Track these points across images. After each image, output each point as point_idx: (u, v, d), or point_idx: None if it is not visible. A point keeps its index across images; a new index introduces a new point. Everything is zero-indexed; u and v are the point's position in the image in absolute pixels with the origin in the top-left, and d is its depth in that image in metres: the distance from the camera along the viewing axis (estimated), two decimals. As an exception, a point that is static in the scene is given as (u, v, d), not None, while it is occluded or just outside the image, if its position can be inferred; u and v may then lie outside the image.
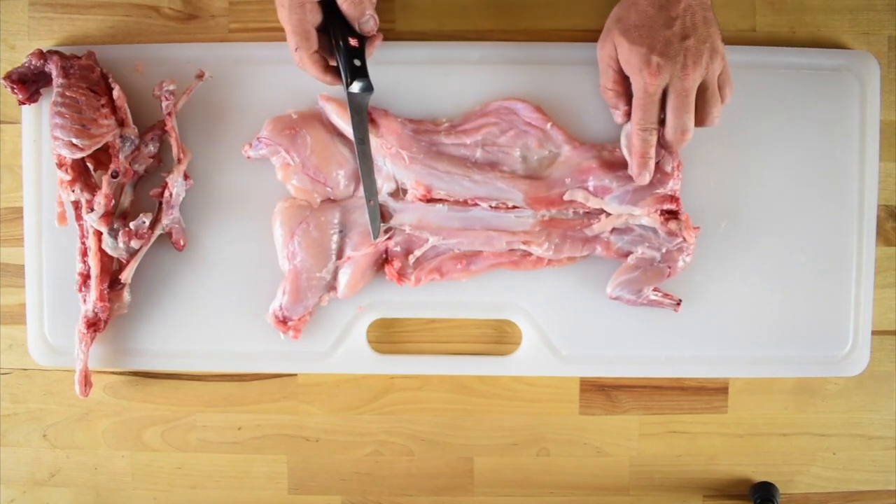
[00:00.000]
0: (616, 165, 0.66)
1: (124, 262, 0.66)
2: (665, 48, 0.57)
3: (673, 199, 0.65)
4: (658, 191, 0.65)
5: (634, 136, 0.62)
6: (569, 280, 0.68)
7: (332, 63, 0.62)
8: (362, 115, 0.63)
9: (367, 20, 0.60)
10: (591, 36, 0.68)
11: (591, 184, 0.66)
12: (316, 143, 0.66)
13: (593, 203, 0.65)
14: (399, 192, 0.67)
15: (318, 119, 0.66)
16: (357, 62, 0.61)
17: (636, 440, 0.71)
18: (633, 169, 0.63)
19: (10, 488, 0.73)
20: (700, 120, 0.60)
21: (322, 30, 0.60)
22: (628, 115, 0.63)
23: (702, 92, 0.59)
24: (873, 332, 0.68)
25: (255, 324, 0.68)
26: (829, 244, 0.68)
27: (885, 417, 0.71)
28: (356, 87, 0.61)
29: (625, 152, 0.65)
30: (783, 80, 0.67)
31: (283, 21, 0.59)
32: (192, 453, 0.72)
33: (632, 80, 0.60)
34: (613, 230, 0.66)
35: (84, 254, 0.66)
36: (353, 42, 0.60)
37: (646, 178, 0.63)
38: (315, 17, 0.58)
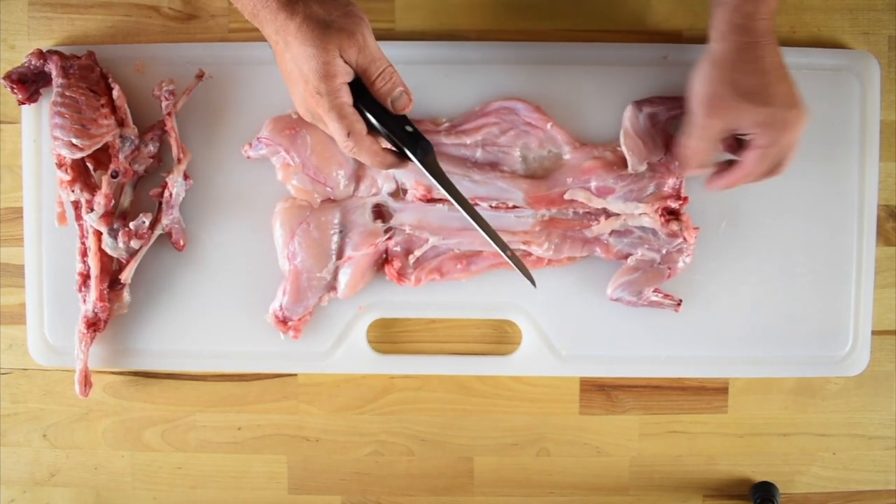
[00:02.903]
0: (618, 165, 0.66)
1: (124, 262, 0.66)
2: (791, 101, 0.57)
3: (678, 196, 0.64)
4: (663, 189, 0.65)
5: (736, 176, 0.61)
6: (569, 280, 0.68)
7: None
8: (442, 174, 0.60)
9: (399, 95, 0.56)
10: (591, 36, 0.69)
11: (593, 184, 0.66)
12: (316, 143, 0.66)
13: (596, 203, 0.65)
14: (399, 192, 0.67)
15: (318, 119, 0.66)
16: (409, 128, 0.58)
17: (636, 440, 0.71)
18: (679, 169, 0.65)
19: (10, 488, 0.73)
20: (770, 171, 0.61)
21: None
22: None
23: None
24: (873, 332, 0.68)
25: (255, 324, 0.68)
26: (829, 244, 0.68)
27: (885, 417, 0.71)
28: (423, 152, 0.58)
29: (625, 150, 0.65)
30: (783, 80, 0.67)
31: (319, 110, 0.55)
32: (192, 453, 0.72)
33: (761, 138, 0.58)
34: (612, 232, 0.66)
35: (84, 254, 0.66)
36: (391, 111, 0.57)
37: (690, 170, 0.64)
38: (350, 98, 0.55)
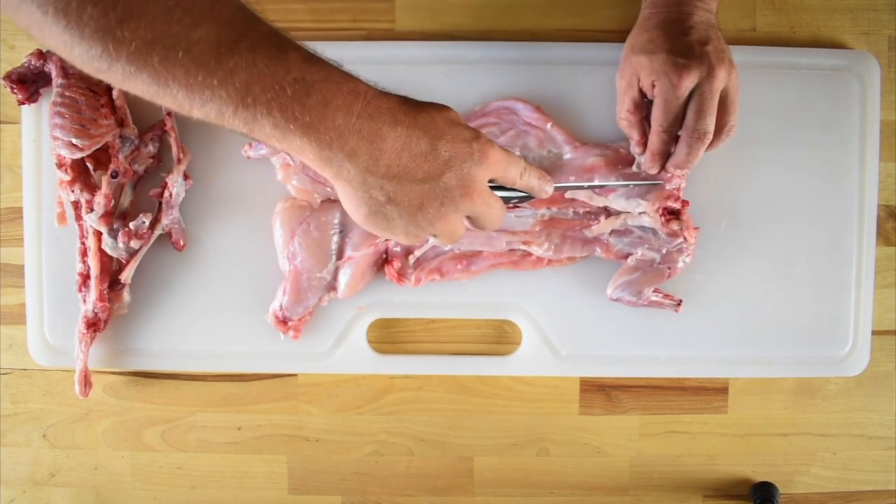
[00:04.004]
0: (620, 164, 0.66)
1: (124, 262, 0.66)
2: (688, 51, 0.57)
3: (677, 197, 0.64)
4: (665, 187, 0.65)
5: (654, 136, 0.61)
6: (569, 280, 0.68)
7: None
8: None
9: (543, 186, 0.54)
10: (591, 36, 0.69)
11: (596, 182, 0.65)
12: (316, 143, 0.66)
13: (597, 202, 0.65)
14: (399, 192, 0.67)
15: (318, 119, 0.66)
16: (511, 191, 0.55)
17: (636, 440, 0.71)
18: (645, 163, 0.64)
19: (10, 488, 0.73)
20: (718, 128, 0.60)
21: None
22: (642, 144, 0.64)
23: (722, 100, 0.59)
24: (873, 332, 0.68)
25: (255, 324, 0.68)
26: (829, 244, 0.68)
27: (885, 417, 0.71)
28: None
29: (633, 149, 0.65)
30: (783, 80, 0.67)
31: (490, 154, 0.48)
32: (192, 453, 0.72)
33: (658, 85, 0.59)
34: (612, 232, 0.66)
35: (84, 254, 0.66)
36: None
37: (656, 168, 0.63)
38: None
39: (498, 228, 0.53)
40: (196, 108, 0.42)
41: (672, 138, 0.61)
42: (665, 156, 0.62)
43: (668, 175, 0.64)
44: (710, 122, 0.59)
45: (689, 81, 0.57)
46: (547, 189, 0.54)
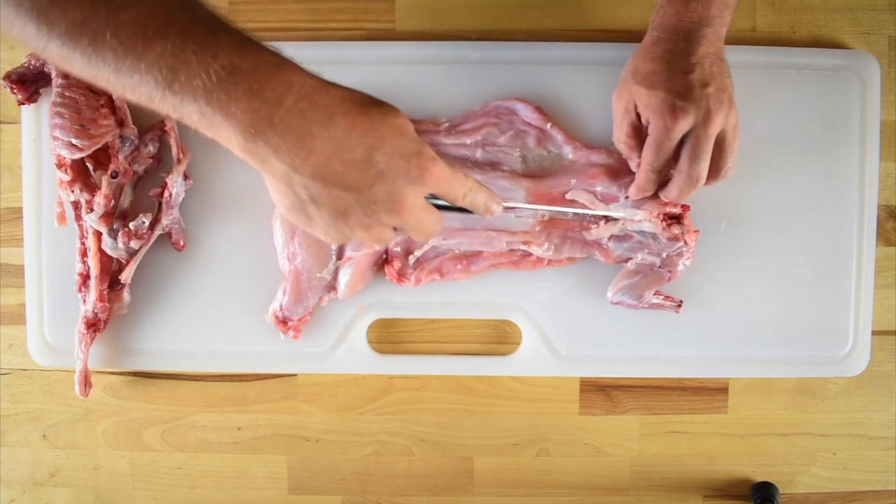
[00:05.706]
0: (624, 173, 0.65)
1: (124, 262, 0.66)
2: (687, 93, 0.55)
3: (677, 203, 0.64)
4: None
5: (641, 173, 0.61)
6: (569, 280, 0.68)
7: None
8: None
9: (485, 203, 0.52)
10: (591, 36, 0.69)
11: (598, 189, 0.65)
12: (316, 143, 0.66)
13: (598, 207, 0.65)
14: (399, 192, 0.67)
15: (318, 119, 0.66)
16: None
17: (636, 440, 0.71)
18: (630, 192, 0.64)
19: (10, 488, 0.73)
20: (714, 171, 0.58)
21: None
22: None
23: (719, 142, 0.57)
24: (873, 332, 0.68)
25: (255, 324, 0.68)
26: (829, 244, 0.68)
27: (885, 417, 0.71)
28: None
29: (633, 167, 0.65)
30: (783, 80, 0.67)
31: (427, 166, 0.45)
32: (192, 453, 0.72)
33: (652, 123, 0.57)
34: (612, 237, 0.66)
35: (84, 254, 0.66)
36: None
37: (640, 196, 0.64)
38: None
39: (432, 238, 0.51)
40: (127, 92, 0.42)
41: (661, 177, 0.60)
42: (651, 193, 0.62)
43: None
44: (703, 168, 0.57)
45: (683, 125, 0.56)
46: (494, 209, 0.52)
